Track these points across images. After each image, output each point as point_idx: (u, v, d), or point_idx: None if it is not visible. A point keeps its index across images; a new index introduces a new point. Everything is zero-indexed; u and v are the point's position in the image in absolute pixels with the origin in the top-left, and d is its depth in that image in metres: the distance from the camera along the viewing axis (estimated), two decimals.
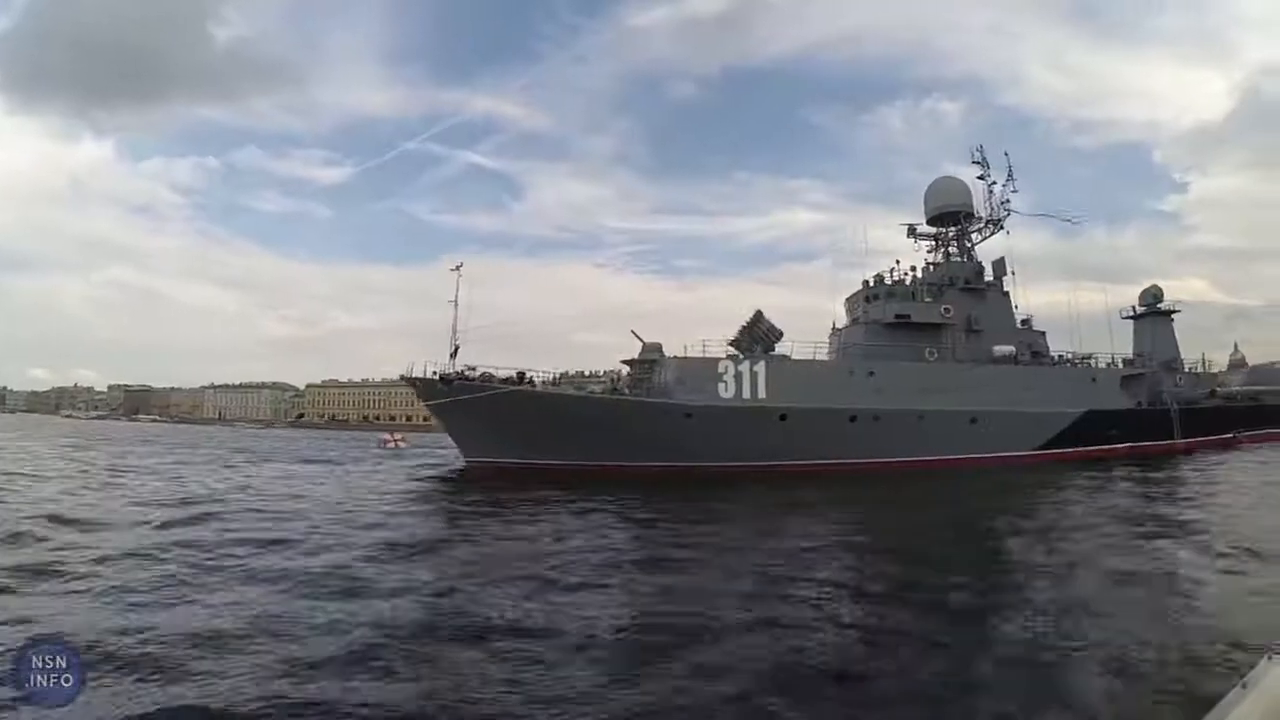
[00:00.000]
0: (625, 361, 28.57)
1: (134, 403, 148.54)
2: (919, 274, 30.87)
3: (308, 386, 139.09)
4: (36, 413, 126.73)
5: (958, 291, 30.21)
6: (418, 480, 24.36)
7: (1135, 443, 29.45)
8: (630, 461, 24.18)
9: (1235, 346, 48.54)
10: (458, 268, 27.72)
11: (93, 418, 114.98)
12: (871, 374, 27.19)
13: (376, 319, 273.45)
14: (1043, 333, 31.83)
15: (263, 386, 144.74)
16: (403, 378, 28.75)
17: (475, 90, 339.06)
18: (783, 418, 25.28)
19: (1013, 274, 32.36)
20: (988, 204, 33.18)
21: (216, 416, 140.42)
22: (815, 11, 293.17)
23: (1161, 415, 30.46)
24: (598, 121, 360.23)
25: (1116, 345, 34.97)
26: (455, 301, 26.81)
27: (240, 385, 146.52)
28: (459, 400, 25.85)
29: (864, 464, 25.54)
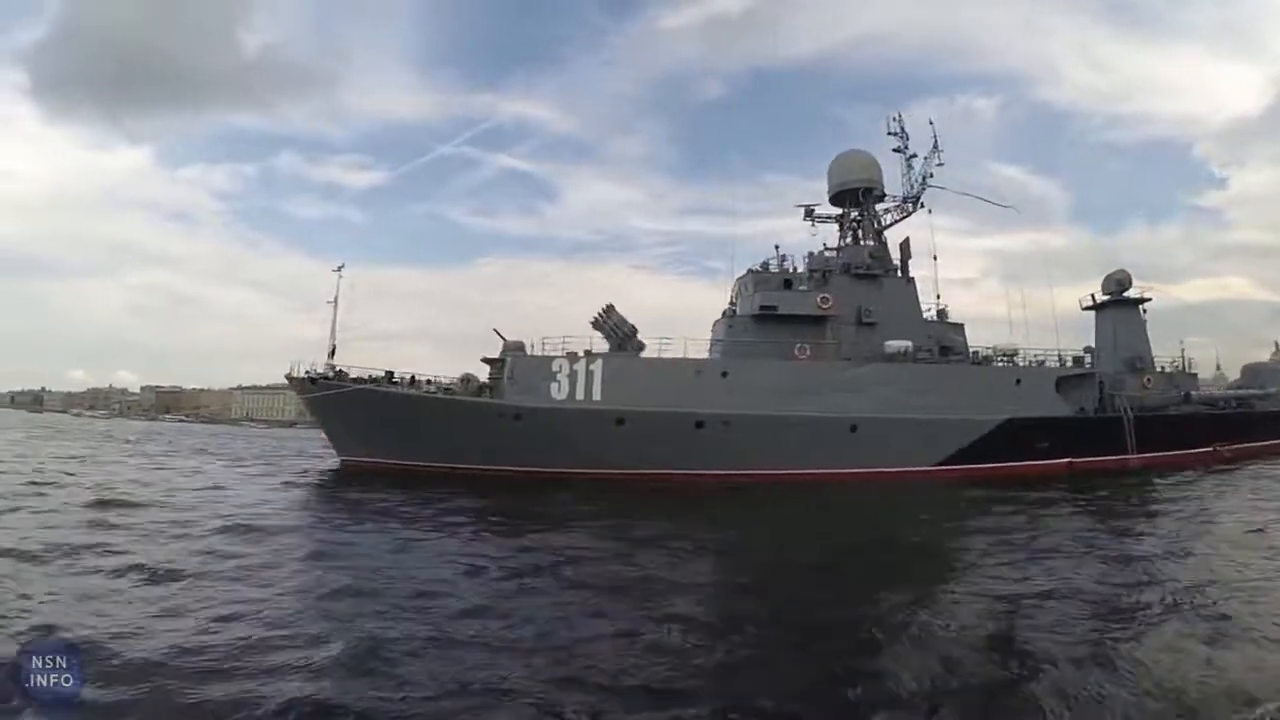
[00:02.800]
0: (484, 360, 26.15)
1: (165, 403, 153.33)
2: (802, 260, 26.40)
3: None
4: (67, 413, 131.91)
5: (848, 279, 25.61)
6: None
7: (1075, 458, 24.07)
8: (470, 464, 22.73)
9: (1277, 345, 41.73)
10: (339, 269, 27.61)
11: (103, 416, 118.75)
12: (725, 374, 23.18)
13: (410, 321, 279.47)
14: (959, 325, 26.72)
15: (288, 388, 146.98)
16: (286, 377, 28.05)
17: (506, 94, 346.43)
18: (620, 421, 22.35)
19: (934, 259, 27.67)
20: (906, 180, 28.54)
21: (244, 417, 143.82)
22: (842, 9, 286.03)
23: (1110, 424, 24.84)
24: (627, 123, 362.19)
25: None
26: (335, 302, 26.90)
27: (267, 387, 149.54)
28: (317, 399, 25.91)
29: (712, 475, 21.91)
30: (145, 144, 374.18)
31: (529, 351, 24.43)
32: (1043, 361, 26.10)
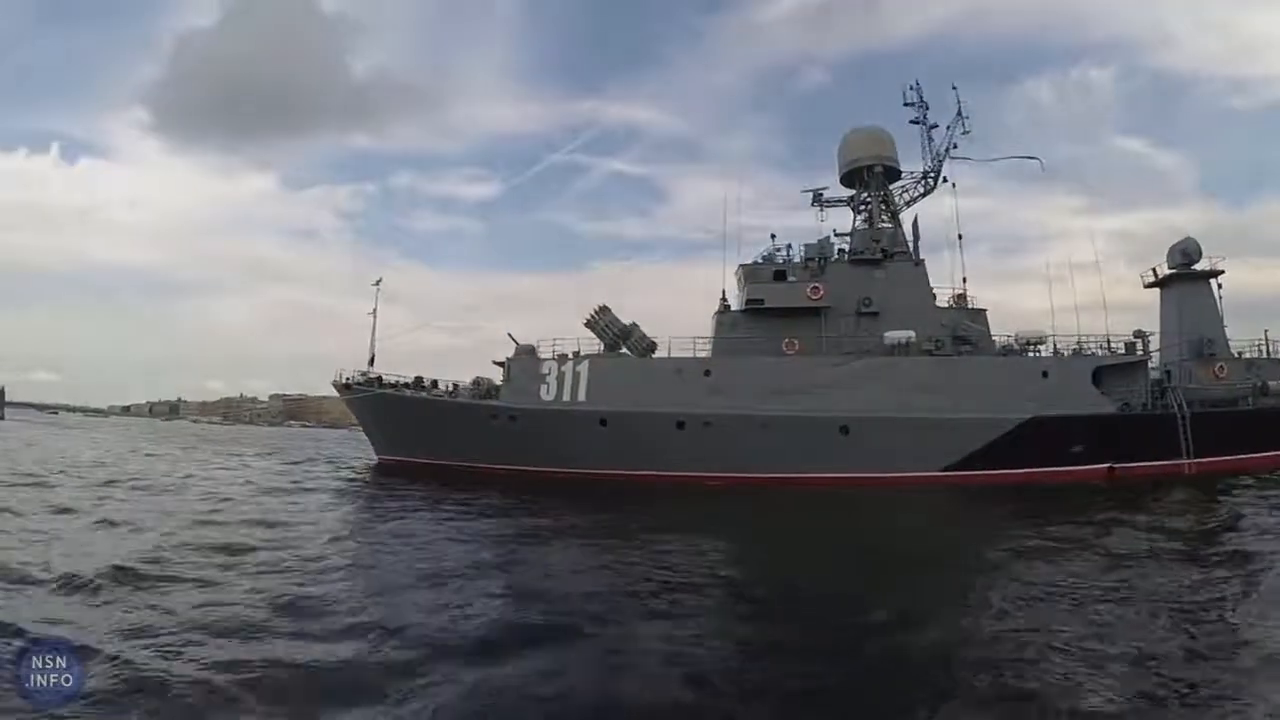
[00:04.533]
0: (495, 363, 27.09)
1: (291, 410, 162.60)
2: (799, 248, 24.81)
3: None
4: (184, 419, 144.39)
5: (847, 267, 23.89)
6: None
7: (1117, 463, 21.11)
8: (475, 462, 23.67)
9: None
10: (377, 283, 29.82)
11: (220, 423, 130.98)
12: (707, 373, 22.30)
13: (526, 325, 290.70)
14: (980, 311, 24.09)
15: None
16: (332, 384, 30.29)
17: (610, 100, 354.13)
18: (603, 422, 22.44)
19: (960, 238, 25.29)
20: (927, 155, 26.20)
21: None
22: None
23: (1160, 423, 21.54)
24: (731, 119, 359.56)
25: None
26: (374, 314, 28.86)
27: None
28: (351, 403, 28.91)
29: (694, 477, 21.30)
30: (269, 170, 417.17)
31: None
32: (1078, 350, 22.98)
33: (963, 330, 23.17)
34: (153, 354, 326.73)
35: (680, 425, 21.68)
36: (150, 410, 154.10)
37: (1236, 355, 24.80)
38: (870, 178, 25.62)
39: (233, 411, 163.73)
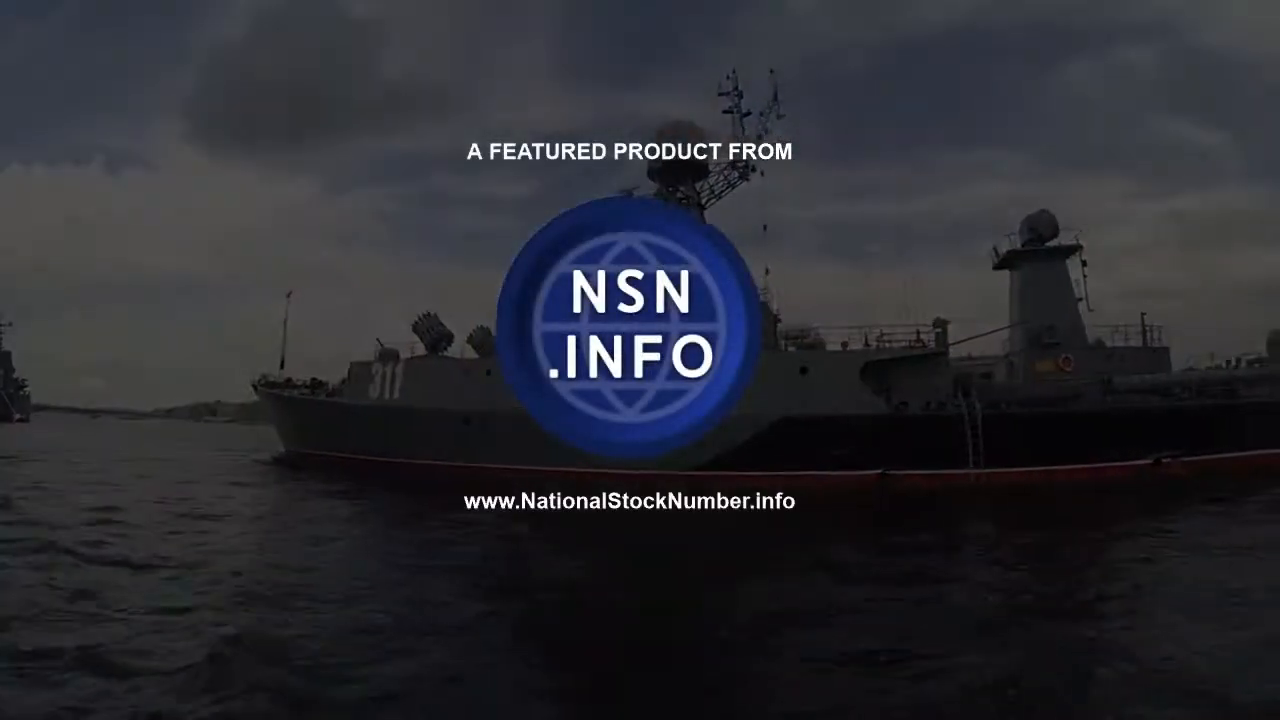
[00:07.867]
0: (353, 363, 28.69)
1: None
2: None
3: None
4: (199, 420, 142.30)
5: None
6: None
7: (892, 469, 17.76)
8: (337, 452, 25.56)
9: None
10: (288, 295, 32.58)
11: (224, 422, 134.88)
12: (489, 373, 22.06)
13: None
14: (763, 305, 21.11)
15: None
16: (252, 385, 32.68)
17: (646, 95, 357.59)
18: (413, 418, 23.90)
19: (765, 229, 23.61)
20: (741, 144, 23.99)
21: None
22: None
23: (940, 426, 17.88)
24: (767, 109, 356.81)
25: None
26: (285, 321, 31.59)
27: None
28: (264, 399, 31.70)
29: (483, 468, 21.42)
30: (307, 174, 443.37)
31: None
32: (845, 344, 19.72)
33: None
34: (197, 357, 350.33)
35: (467, 421, 21.94)
36: (191, 412, 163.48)
37: (1097, 345, 20.48)
38: (662, 173, 23.70)
39: (266, 411, 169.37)
